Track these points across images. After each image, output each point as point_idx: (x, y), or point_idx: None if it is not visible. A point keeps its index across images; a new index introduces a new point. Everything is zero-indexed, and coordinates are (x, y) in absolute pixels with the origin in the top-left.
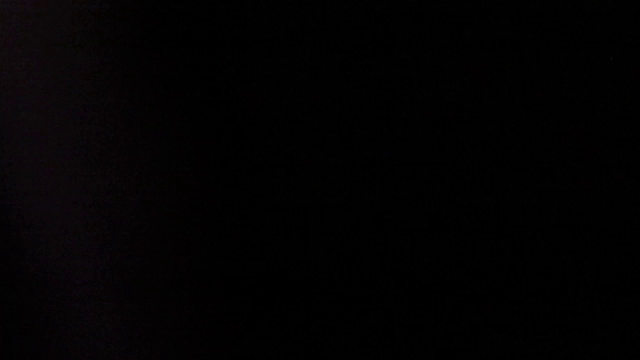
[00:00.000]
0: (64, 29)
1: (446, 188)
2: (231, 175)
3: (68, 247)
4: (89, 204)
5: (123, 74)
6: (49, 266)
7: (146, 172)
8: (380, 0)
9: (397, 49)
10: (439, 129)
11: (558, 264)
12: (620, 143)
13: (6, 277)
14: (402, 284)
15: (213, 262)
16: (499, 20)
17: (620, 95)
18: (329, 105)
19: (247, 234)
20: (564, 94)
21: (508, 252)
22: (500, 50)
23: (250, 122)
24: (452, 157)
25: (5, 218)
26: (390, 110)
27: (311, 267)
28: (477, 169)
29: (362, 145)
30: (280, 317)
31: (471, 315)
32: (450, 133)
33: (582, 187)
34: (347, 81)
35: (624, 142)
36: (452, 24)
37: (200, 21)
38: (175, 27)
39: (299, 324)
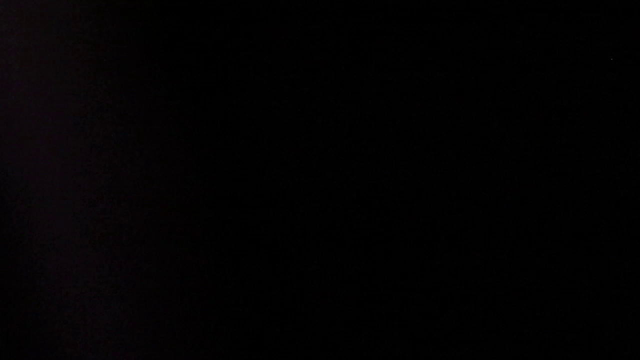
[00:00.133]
0: (64, 29)
1: (446, 188)
2: (232, 175)
3: (68, 247)
4: (89, 204)
5: (123, 74)
6: (49, 266)
7: (146, 172)
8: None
9: (397, 48)
10: (439, 129)
11: (558, 264)
12: (620, 143)
13: (6, 277)
14: (403, 284)
15: (213, 262)
16: (499, 20)
17: (620, 95)
18: (329, 105)
19: (247, 234)
20: (564, 94)
21: (508, 252)
22: (501, 50)
23: (250, 123)
24: (452, 157)
25: (5, 218)
26: (390, 110)
27: (311, 267)
28: (477, 169)
29: (362, 145)
30: (280, 317)
31: (471, 315)
32: (450, 133)
33: (583, 187)
34: (347, 81)
35: (624, 142)
36: (452, 23)
37: (200, 20)
38: (175, 26)
39: (299, 324)
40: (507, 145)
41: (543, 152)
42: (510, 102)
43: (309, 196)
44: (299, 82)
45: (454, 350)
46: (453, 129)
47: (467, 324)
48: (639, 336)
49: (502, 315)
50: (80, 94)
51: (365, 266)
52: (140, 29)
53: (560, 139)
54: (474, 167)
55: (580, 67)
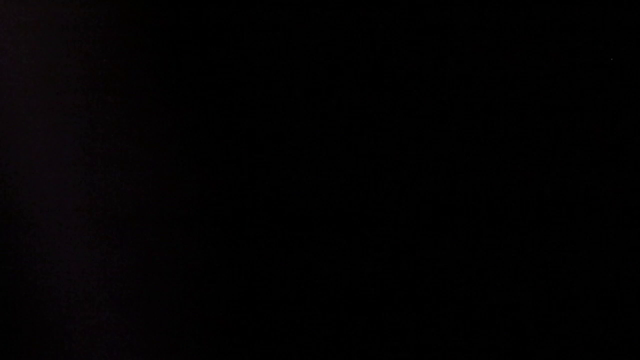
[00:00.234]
0: (64, 29)
1: (445, 188)
2: (232, 175)
3: (68, 247)
4: (89, 204)
5: (123, 74)
6: (49, 266)
7: (147, 172)
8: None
9: (396, 48)
10: (439, 129)
11: (558, 264)
12: (620, 143)
13: (6, 277)
14: (402, 284)
15: (214, 262)
16: (498, 20)
17: (621, 95)
18: (329, 105)
19: (247, 234)
20: (563, 94)
21: (507, 252)
22: (500, 50)
23: (251, 122)
24: (451, 157)
25: (5, 218)
26: (390, 110)
27: (311, 267)
28: (477, 169)
29: (361, 145)
30: (280, 317)
31: (471, 316)
32: (449, 133)
33: (582, 187)
34: (347, 81)
35: (624, 142)
36: (451, 23)
37: (199, 19)
38: (176, 26)
39: (299, 324)
40: (507, 145)
41: (543, 151)
42: (510, 101)
43: (309, 196)
44: (299, 82)
45: (454, 350)
46: (453, 129)
47: (466, 323)
48: (639, 336)
49: (502, 315)
50: (80, 94)
51: (365, 266)
52: (140, 29)
53: (560, 139)
54: (474, 167)
55: (580, 67)
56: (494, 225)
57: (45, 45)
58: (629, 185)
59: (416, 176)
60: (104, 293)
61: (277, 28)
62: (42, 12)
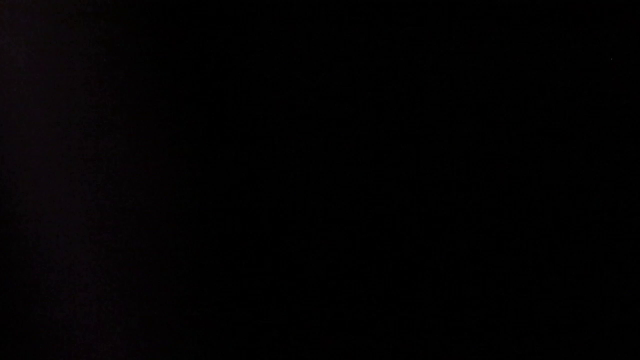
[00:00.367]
0: (63, 28)
1: (445, 188)
2: (232, 175)
3: (67, 247)
4: (89, 204)
5: (123, 73)
6: (49, 266)
7: (147, 172)
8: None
9: (396, 48)
10: (439, 129)
11: (558, 264)
12: (620, 143)
13: (6, 277)
14: (402, 285)
15: (214, 262)
16: (498, 20)
17: (620, 95)
18: (329, 105)
19: (247, 234)
20: (563, 94)
21: (507, 252)
22: (500, 50)
23: (250, 122)
24: (451, 157)
25: (5, 218)
26: (390, 110)
27: (311, 267)
28: (477, 169)
29: (361, 145)
30: (280, 318)
31: (471, 316)
32: (449, 133)
33: (583, 187)
34: (347, 81)
35: (624, 142)
36: (451, 23)
37: (200, 20)
38: (176, 25)
39: (299, 324)
40: (507, 145)
41: (543, 152)
42: (510, 102)
43: (308, 196)
44: (298, 81)
45: (454, 350)
46: (453, 129)
47: (467, 324)
48: (639, 336)
49: (502, 315)
50: (80, 93)
51: (365, 266)
52: (140, 29)
53: (560, 139)
54: (474, 167)
55: (580, 67)
56: (494, 225)
57: (45, 45)
58: (629, 185)
59: (416, 176)
60: (104, 293)
61: (277, 28)
62: (42, 12)
